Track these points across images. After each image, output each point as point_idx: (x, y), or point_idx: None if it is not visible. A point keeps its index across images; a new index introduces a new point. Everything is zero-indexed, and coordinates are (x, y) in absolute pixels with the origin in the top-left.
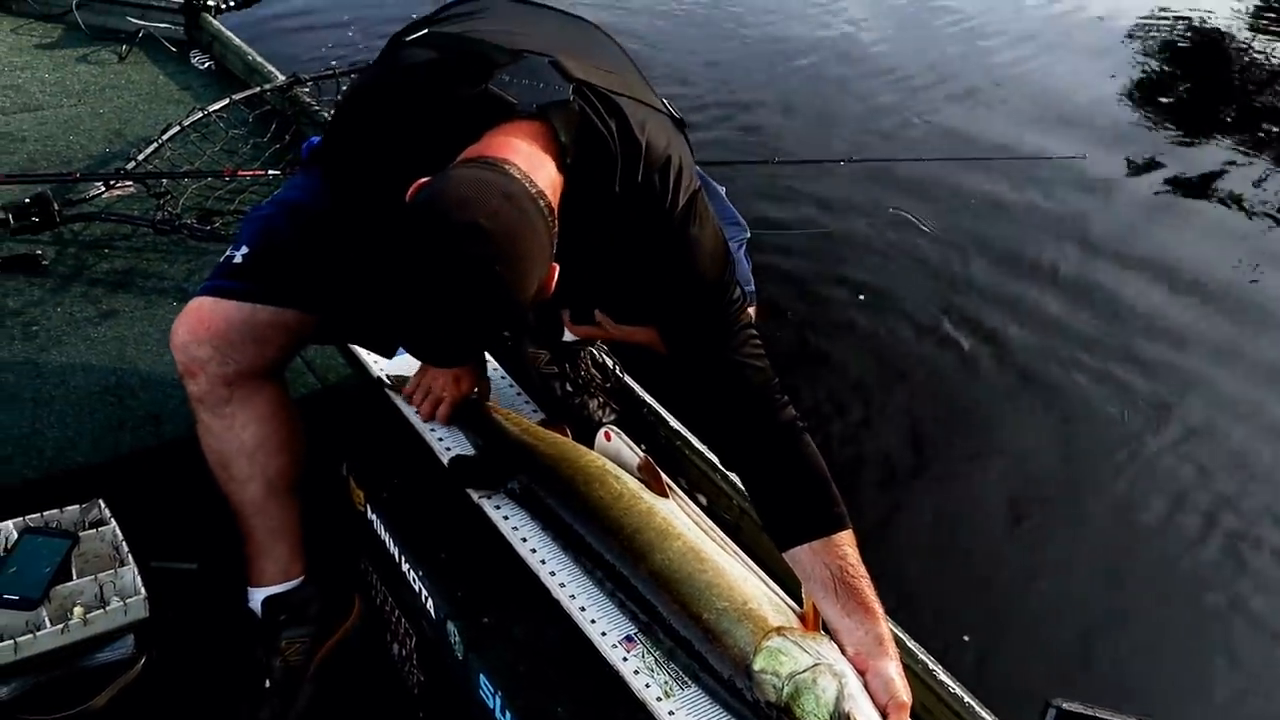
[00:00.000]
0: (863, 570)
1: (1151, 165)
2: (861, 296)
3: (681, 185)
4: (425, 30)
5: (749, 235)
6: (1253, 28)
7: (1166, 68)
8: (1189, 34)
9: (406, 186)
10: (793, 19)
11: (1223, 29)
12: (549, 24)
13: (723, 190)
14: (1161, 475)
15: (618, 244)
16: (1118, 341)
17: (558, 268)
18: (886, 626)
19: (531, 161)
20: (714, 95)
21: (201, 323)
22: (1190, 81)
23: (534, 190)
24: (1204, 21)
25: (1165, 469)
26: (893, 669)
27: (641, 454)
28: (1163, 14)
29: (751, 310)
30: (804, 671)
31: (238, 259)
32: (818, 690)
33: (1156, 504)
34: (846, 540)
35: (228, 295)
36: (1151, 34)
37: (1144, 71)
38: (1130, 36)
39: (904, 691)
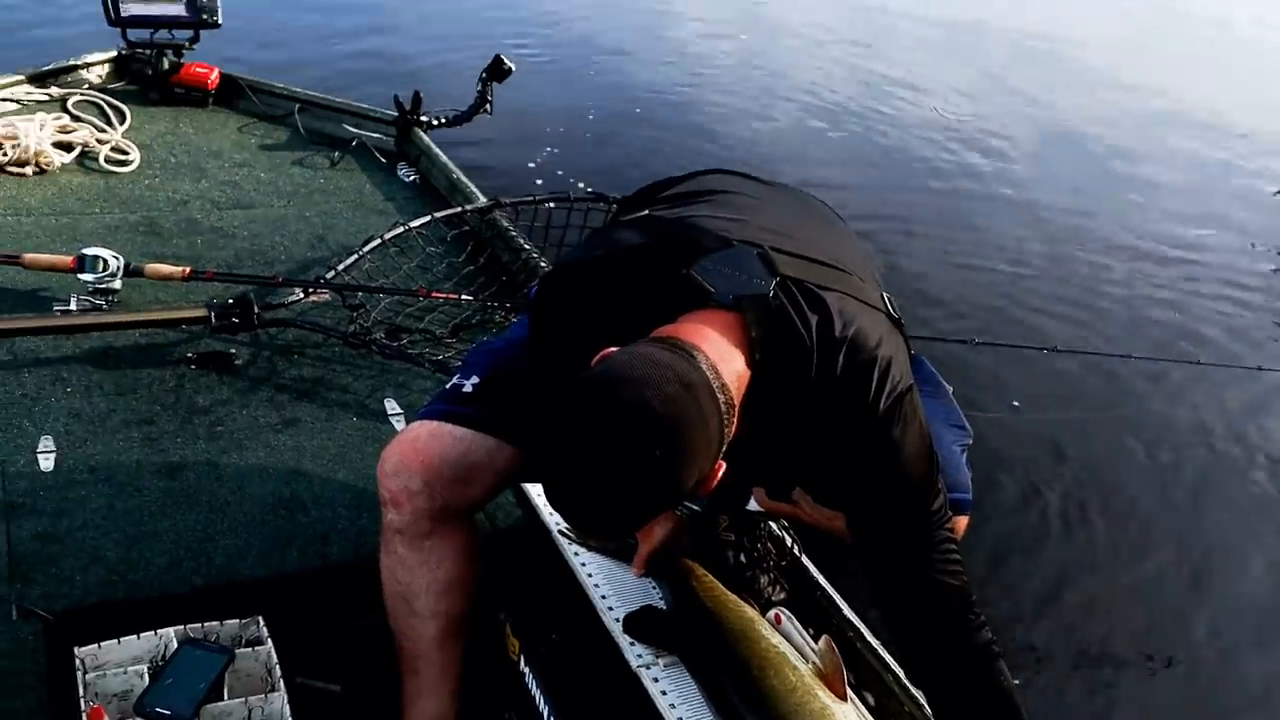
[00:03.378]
0: None
1: None
2: (1056, 497)
3: (887, 385)
4: (645, 211)
5: (970, 441)
6: None
7: None
8: None
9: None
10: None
11: None
12: (777, 211)
13: (950, 390)
14: None
15: (815, 434)
16: None
17: (724, 466)
18: None
19: (720, 352)
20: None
21: (416, 454)
22: None
23: (717, 383)
24: None
25: None
26: None
27: (821, 647)
28: None
29: (963, 520)
30: None
31: (468, 387)
32: None
33: None
34: None
35: (451, 420)
36: None
37: None
38: None
39: None
